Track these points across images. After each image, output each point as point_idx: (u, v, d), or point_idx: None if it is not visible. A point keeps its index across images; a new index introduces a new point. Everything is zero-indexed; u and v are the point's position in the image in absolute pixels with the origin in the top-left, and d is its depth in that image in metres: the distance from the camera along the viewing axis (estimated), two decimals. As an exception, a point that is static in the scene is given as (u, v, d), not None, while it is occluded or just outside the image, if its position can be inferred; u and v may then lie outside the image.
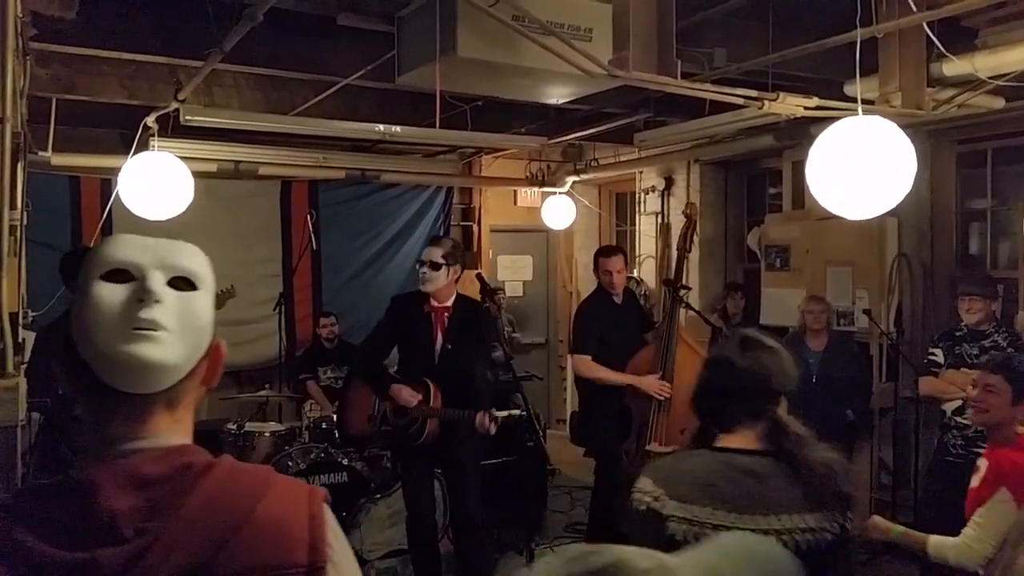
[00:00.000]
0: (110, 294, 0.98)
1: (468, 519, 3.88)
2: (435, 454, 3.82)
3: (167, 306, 0.99)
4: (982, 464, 2.75)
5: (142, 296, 0.99)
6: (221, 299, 4.60)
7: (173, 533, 0.94)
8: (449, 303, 3.79)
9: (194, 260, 1.06)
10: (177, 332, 0.99)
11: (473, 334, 3.82)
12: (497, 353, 4.64)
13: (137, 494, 0.94)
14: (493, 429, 3.58)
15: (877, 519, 2.77)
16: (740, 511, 1.82)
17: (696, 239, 4.93)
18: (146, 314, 0.98)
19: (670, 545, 1.78)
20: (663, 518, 1.83)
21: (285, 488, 1.04)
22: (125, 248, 1.02)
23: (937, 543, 2.56)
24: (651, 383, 4.24)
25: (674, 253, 4.92)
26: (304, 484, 1.07)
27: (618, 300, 4.64)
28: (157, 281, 1.00)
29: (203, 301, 1.04)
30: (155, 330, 0.98)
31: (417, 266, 3.80)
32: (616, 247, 5.12)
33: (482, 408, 3.60)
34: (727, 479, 1.87)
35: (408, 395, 3.70)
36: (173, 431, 1.02)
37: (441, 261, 3.72)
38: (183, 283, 1.03)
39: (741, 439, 1.92)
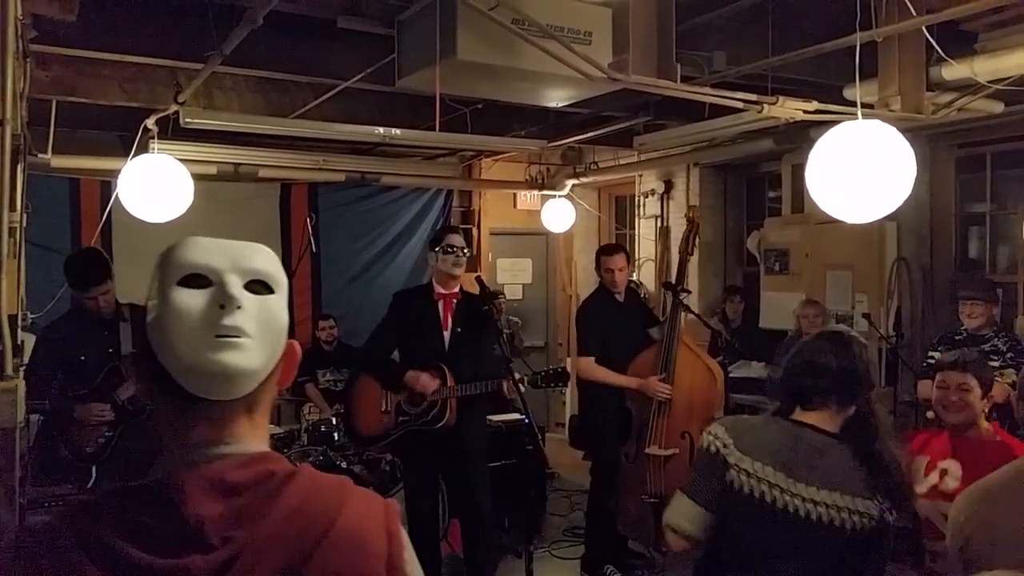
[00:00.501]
0: (189, 301, 0.97)
1: (479, 515, 3.90)
2: (448, 444, 3.83)
3: (247, 311, 0.98)
4: (952, 466, 2.72)
5: (223, 302, 0.97)
6: None
7: (259, 542, 0.93)
8: (456, 290, 3.95)
9: (268, 262, 1.05)
10: (258, 337, 0.98)
11: (480, 318, 3.92)
12: (496, 352, 4.67)
13: (223, 501, 0.94)
14: (522, 388, 3.72)
15: None
16: (796, 478, 1.99)
17: (697, 242, 4.93)
18: (229, 321, 0.96)
19: (727, 488, 2.04)
20: (726, 464, 2.04)
21: (363, 500, 1.04)
22: (201, 252, 1.01)
23: None
24: (653, 384, 4.24)
25: (674, 256, 4.93)
26: (379, 498, 1.07)
27: (620, 298, 4.64)
28: (235, 286, 0.99)
29: (279, 304, 1.04)
30: (238, 337, 0.97)
31: (444, 254, 3.89)
32: (618, 245, 5.13)
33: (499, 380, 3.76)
34: (793, 447, 2.04)
35: (427, 379, 3.77)
36: (253, 437, 1.02)
37: (465, 246, 3.95)
38: (260, 286, 1.02)
39: (819, 418, 2.07)
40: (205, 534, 0.91)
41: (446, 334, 3.89)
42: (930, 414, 3.10)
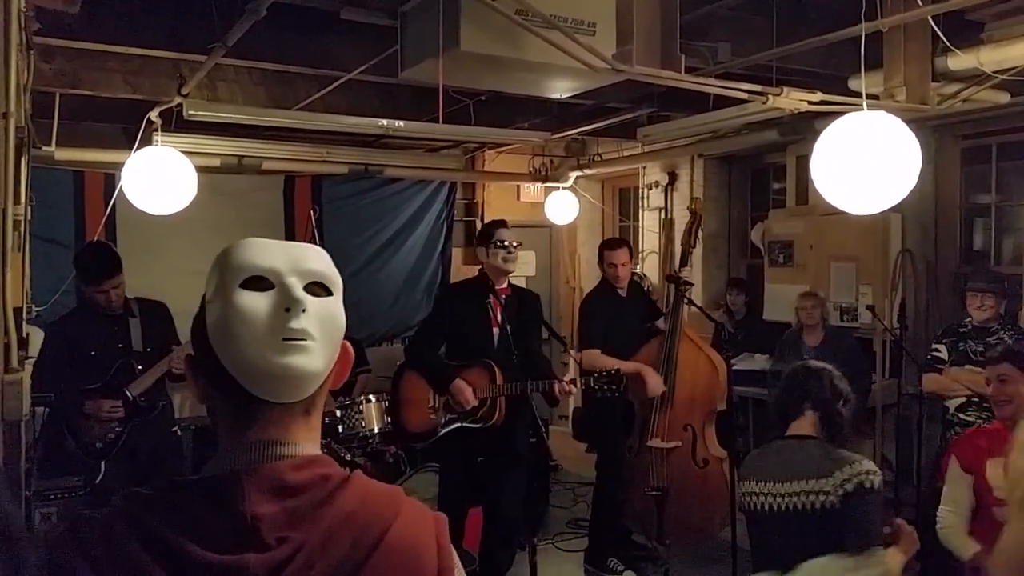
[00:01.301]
0: (253, 303, 0.96)
1: (509, 514, 3.88)
2: (494, 443, 3.81)
3: (311, 313, 0.98)
4: None
5: (289, 305, 0.97)
6: None
7: (314, 545, 0.93)
8: (506, 285, 3.92)
9: (324, 263, 1.05)
10: (321, 339, 0.99)
11: (528, 315, 3.90)
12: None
13: (279, 502, 0.94)
14: (575, 390, 3.75)
15: None
16: (772, 481, 2.43)
17: (700, 234, 4.92)
18: (296, 324, 0.96)
19: (745, 513, 2.56)
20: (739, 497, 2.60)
21: (414, 511, 1.04)
22: (260, 254, 1.00)
23: None
24: (651, 377, 4.24)
25: (678, 248, 4.92)
26: (428, 509, 1.07)
27: (623, 293, 4.63)
28: (298, 288, 0.99)
29: (338, 305, 1.04)
30: (304, 339, 0.97)
31: (495, 248, 3.84)
32: (621, 239, 5.13)
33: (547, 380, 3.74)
34: (767, 457, 2.54)
35: (470, 395, 3.73)
36: (309, 439, 1.02)
37: (516, 241, 3.90)
38: (319, 288, 1.01)
39: (799, 425, 2.52)
40: (261, 533, 0.91)
41: (495, 331, 3.84)
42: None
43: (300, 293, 0.98)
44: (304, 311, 0.97)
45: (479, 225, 7.65)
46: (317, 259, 1.04)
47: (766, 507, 2.44)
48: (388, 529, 0.97)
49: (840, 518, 2.30)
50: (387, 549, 0.96)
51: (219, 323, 0.97)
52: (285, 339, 0.96)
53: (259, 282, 0.98)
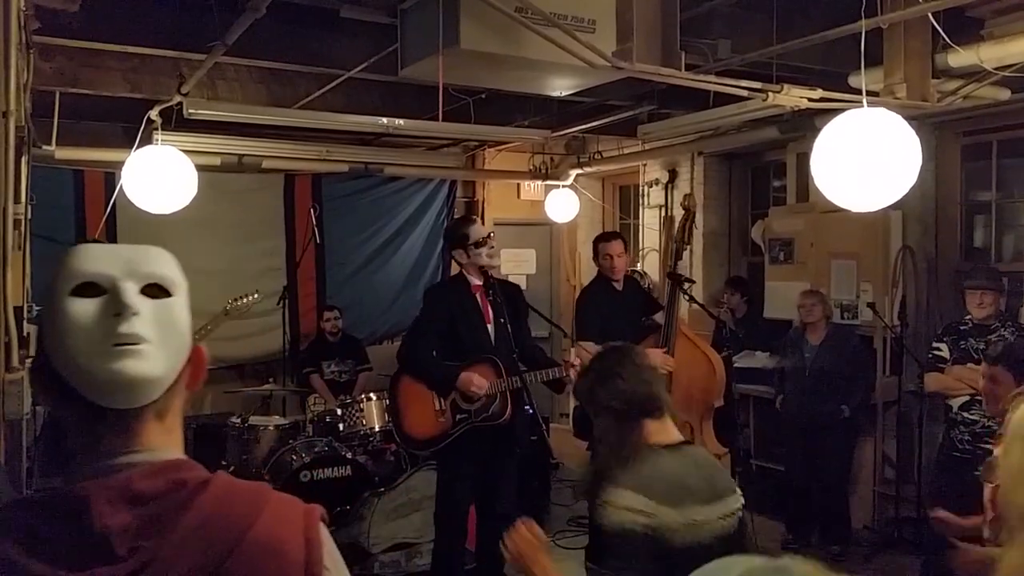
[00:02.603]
0: (82, 310, 0.95)
1: (507, 508, 3.86)
2: (499, 437, 3.76)
3: (144, 317, 0.96)
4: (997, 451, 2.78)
5: (118, 310, 0.95)
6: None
7: (168, 553, 0.91)
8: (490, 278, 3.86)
9: (165, 265, 1.02)
10: (158, 342, 0.96)
11: (515, 307, 3.86)
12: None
13: (131, 511, 0.92)
14: None
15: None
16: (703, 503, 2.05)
17: (696, 231, 4.90)
18: (125, 328, 0.94)
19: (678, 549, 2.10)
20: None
21: (281, 507, 1.01)
22: (92, 260, 0.98)
23: None
24: (656, 356, 4.23)
25: (673, 245, 4.92)
26: (300, 503, 1.04)
27: (618, 286, 4.62)
28: (130, 292, 0.96)
29: (179, 306, 1.01)
30: (136, 344, 0.94)
31: (477, 247, 3.78)
32: (615, 232, 5.12)
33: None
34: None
35: (479, 381, 3.66)
36: (165, 443, 1.00)
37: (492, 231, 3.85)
38: (157, 290, 0.99)
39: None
40: (112, 545, 0.89)
41: (490, 326, 3.77)
42: None
43: (131, 298, 0.96)
44: (136, 315, 0.95)
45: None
46: (157, 261, 1.02)
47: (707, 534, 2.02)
48: (249, 528, 0.95)
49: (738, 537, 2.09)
50: (248, 548, 0.94)
51: (50, 332, 0.96)
52: (116, 344, 0.94)
53: (90, 288, 0.96)
